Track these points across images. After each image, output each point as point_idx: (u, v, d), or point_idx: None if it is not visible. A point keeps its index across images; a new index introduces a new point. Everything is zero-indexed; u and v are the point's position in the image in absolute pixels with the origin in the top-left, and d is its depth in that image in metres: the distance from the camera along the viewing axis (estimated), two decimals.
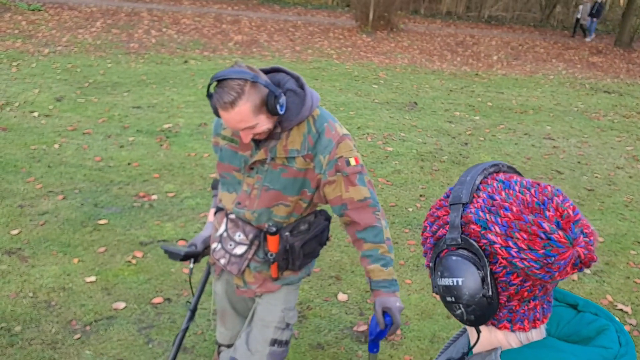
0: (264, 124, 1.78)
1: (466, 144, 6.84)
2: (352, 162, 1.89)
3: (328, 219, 2.07)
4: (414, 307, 3.48)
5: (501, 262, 0.78)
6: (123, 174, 4.95)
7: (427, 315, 3.42)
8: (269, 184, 1.91)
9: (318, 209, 2.09)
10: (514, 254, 0.76)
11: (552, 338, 0.83)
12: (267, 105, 1.74)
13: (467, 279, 0.79)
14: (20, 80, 7.50)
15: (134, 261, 3.66)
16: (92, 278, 3.43)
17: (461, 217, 0.80)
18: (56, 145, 5.42)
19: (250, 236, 1.97)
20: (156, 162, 5.29)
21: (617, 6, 24.52)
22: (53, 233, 3.89)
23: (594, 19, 18.89)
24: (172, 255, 2.10)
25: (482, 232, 0.78)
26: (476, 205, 0.80)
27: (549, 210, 0.75)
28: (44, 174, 4.76)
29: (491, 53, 14.60)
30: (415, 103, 8.55)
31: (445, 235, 0.83)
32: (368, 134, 6.76)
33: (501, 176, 0.83)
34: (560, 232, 0.74)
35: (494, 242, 0.77)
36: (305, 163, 1.90)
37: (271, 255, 1.95)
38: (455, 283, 0.80)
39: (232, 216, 2.02)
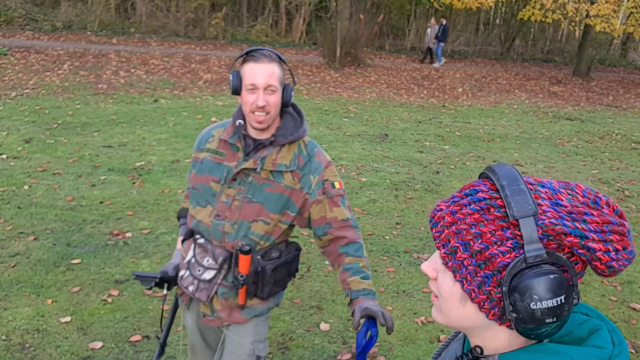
0: (278, 100, 1.90)
1: (438, 172, 6.95)
2: (337, 185, 1.98)
3: (298, 249, 2.08)
4: (397, 333, 3.47)
5: (598, 268, 0.77)
6: (96, 212, 4.88)
7: (410, 341, 3.40)
8: (251, 196, 1.93)
9: (290, 239, 2.10)
10: (613, 257, 0.76)
11: (547, 342, 0.82)
12: (284, 92, 1.92)
13: (568, 294, 0.75)
14: None
15: (109, 300, 3.57)
16: (67, 318, 3.34)
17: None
18: (26, 187, 5.32)
19: (220, 260, 1.95)
20: (129, 199, 5.22)
21: (573, 38, 25.54)
22: (25, 274, 3.78)
23: (441, 43, 18.43)
24: (145, 280, 2.04)
25: (582, 242, 0.75)
26: (550, 214, 0.76)
27: (604, 208, 0.77)
28: (14, 216, 4.66)
29: (456, 85, 14.98)
30: (386, 135, 8.68)
31: (504, 252, 0.77)
32: (342, 165, 6.82)
33: (527, 180, 0.81)
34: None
35: (596, 250, 0.75)
36: (293, 182, 1.94)
37: (241, 276, 1.92)
38: (559, 302, 0.75)
39: (201, 241, 2.00)
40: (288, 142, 1.95)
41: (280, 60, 1.92)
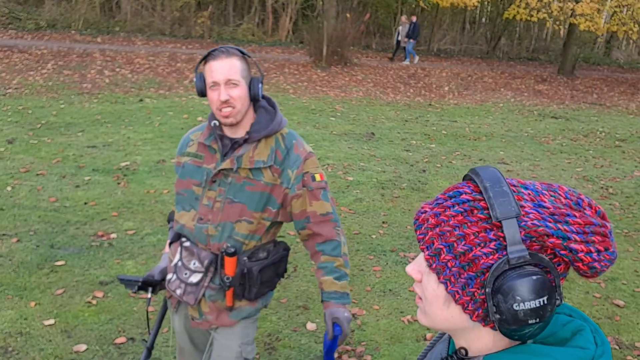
0: (243, 93, 1.87)
1: (424, 171, 6.96)
2: (317, 177, 1.96)
3: (287, 249, 2.08)
4: (383, 332, 3.47)
5: (580, 269, 0.78)
6: (80, 213, 4.83)
7: (396, 339, 3.41)
8: (232, 197, 1.91)
9: (277, 239, 2.09)
10: (595, 258, 0.76)
11: (531, 343, 0.82)
12: (250, 85, 1.89)
13: (550, 295, 0.76)
14: None
15: (94, 302, 3.54)
16: (51, 321, 3.30)
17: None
18: (9, 188, 5.25)
19: (206, 262, 1.94)
20: (114, 200, 5.18)
21: (558, 37, 25.74)
22: (7, 277, 3.74)
23: (412, 40, 18.14)
24: (129, 284, 2.02)
25: (564, 243, 0.75)
26: (532, 216, 0.76)
27: (586, 209, 0.78)
28: None
29: (442, 84, 15.04)
30: (373, 133, 8.69)
31: (487, 254, 0.77)
32: (328, 164, 6.82)
33: (510, 181, 0.82)
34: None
35: (578, 251, 0.75)
36: (273, 178, 1.92)
37: (227, 279, 1.91)
38: (541, 303, 0.75)
39: (187, 244, 1.99)
40: (263, 136, 1.93)
41: (243, 55, 1.90)
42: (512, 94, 14.50)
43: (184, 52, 15.65)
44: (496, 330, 0.80)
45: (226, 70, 1.83)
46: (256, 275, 1.92)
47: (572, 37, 19.03)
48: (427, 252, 0.82)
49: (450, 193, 0.83)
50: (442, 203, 0.82)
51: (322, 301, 1.94)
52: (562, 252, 0.76)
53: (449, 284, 0.80)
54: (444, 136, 9.09)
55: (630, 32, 18.20)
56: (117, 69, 12.36)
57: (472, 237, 0.78)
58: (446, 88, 14.48)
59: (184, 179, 2.00)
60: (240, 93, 1.86)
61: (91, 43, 15.71)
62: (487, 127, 10.15)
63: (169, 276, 2.04)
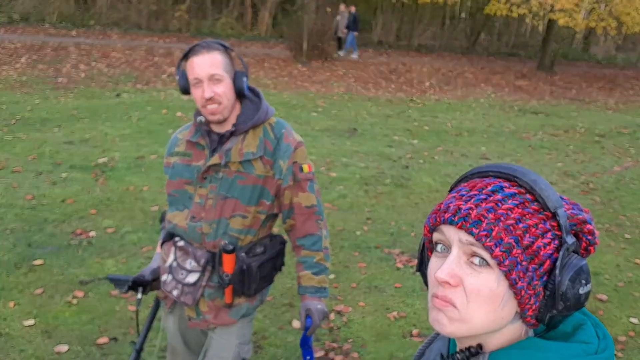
0: (227, 88, 1.83)
1: (407, 167, 6.95)
2: (305, 168, 1.96)
3: (283, 242, 2.06)
4: (370, 329, 3.44)
5: (591, 253, 0.83)
6: (57, 211, 4.71)
7: (383, 336, 3.38)
8: (225, 192, 1.88)
9: (273, 232, 2.07)
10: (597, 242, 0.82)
11: (533, 338, 0.82)
12: (234, 79, 1.85)
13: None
14: None
15: (74, 301, 3.45)
16: (31, 321, 3.21)
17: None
18: None
19: (202, 261, 1.90)
20: (92, 197, 5.07)
21: (537, 33, 25.98)
22: None
23: (352, 32, 17.48)
24: (119, 283, 1.97)
25: (594, 229, 0.80)
26: (566, 206, 0.81)
27: None
28: None
29: (423, 79, 15.06)
30: (355, 129, 8.67)
31: (546, 244, 0.77)
32: (311, 160, 6.75)
33: None
34: None
35: (596, 236, 0.81)
36: (265, 169, 1.89)
37: (227, 276, 1.88)
38: (591, 285, 0.79)
39: (181, 243, 1.94)
40: (250, 127, 1.90)
41: (225, 48, 1.87)
42: (493, 90, 14.59)
43: (161, 46, 15.45)
44: (530, 325, 0.80)
45: (208, 66, 1.79)
46: (255, 271, 1.91)
47: (551, 32, 19.22)
48: (497, 249, 0.75)
49: (491, 188, 0.80)
50: (487, 198, 0.78)
51: (298, 294, 1.97)
52: (589, 237, 0.80)
53: (518, 280, 0.76)
54: (426, 132, 9.09)
55: (608, 27, 18.40)
56: (93, 63, 12.14)
57: (534, 228, 0.77)
58: (427, 83, 14.52)
59: (174, 180, 1.97)
60: (224, 89, 1.82)
61: (66, 37, 15.44)
62: (468, 122, 10.19)
63: (163, 277, 1.99)
